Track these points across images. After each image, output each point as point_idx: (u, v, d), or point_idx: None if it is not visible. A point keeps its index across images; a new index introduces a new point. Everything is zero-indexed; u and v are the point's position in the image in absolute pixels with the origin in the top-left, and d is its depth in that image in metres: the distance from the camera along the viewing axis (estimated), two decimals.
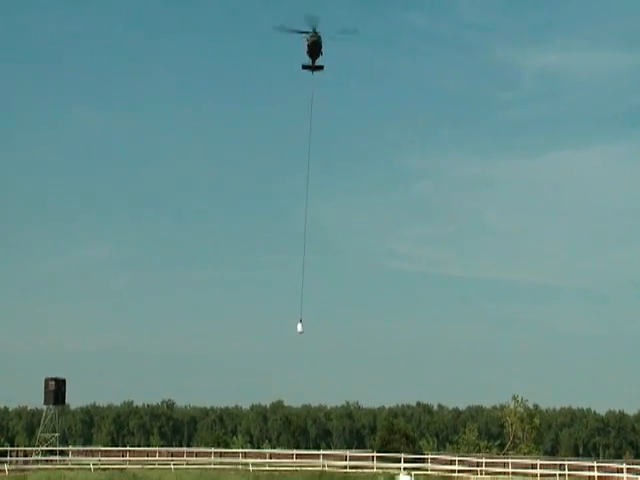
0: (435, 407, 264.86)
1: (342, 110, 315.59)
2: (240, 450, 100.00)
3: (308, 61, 52.83)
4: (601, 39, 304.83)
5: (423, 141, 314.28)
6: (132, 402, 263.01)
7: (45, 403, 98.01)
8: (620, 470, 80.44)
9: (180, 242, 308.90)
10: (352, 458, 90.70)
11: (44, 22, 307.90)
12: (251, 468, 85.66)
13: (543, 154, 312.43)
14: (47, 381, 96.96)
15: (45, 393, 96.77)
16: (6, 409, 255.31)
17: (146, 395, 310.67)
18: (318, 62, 52.83)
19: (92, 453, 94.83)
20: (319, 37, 51.67)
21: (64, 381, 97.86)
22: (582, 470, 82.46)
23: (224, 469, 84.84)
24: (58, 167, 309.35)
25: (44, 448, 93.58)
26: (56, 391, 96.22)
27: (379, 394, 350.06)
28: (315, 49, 52.13)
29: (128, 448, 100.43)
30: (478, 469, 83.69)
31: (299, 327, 52.97)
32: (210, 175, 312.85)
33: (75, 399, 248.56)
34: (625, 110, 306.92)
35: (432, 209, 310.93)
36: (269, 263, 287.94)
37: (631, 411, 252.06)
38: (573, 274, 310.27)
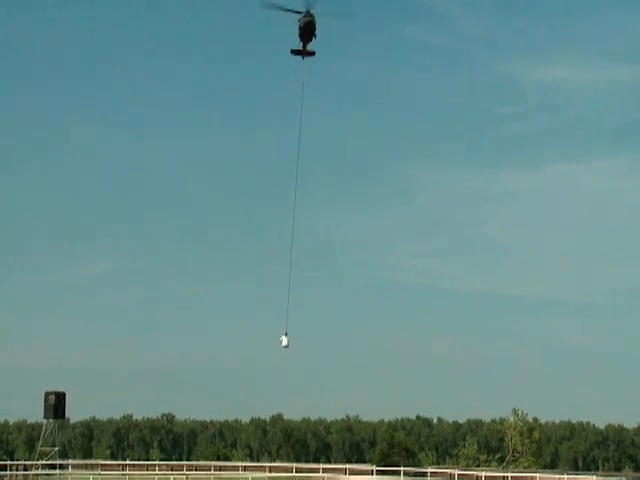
0: (435, 420, 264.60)
1: (342, 124, 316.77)
2: (240, 464, 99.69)
3: (299, 45, 48.16)
4: (601, 54, 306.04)
5: (424, 155, 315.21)
6: (132, 416, 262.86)
7: (45, 417, 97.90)
8: None
9: (180, 258, 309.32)
10: (352, 471, 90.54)
11: (48, 43, 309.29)
12: None
13: (543, 167, 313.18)
14: (47, 395, 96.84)
15: (45, 407, 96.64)
16: (6, 423, 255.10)
17: (146, 409, 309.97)
18: (310, 47, 48.28)
19: (92, 467, 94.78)
20: (313, 18, 47.12)
21: (64, 395, 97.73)
22: None
23: None
24: (62, 185, 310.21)
25: (44, 462, 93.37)
26: (56, 405, 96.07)
27: (379, 407, 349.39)
28: (309, 31, 47.47)
29: (128, 462, 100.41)
30: None
31: (284, 341, 50.26)
32: (212, 193, 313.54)
33: (75, 413, 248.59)
34: (625, 124, 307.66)
35: (432, 222, 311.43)
36: (270, 278, 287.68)
37: (630, 425, 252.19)
38: (573, 287, 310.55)
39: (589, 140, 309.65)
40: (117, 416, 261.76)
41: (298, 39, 47.99)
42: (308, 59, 48.52)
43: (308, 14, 47.00)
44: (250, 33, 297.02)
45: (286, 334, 50.05)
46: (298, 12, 47.03)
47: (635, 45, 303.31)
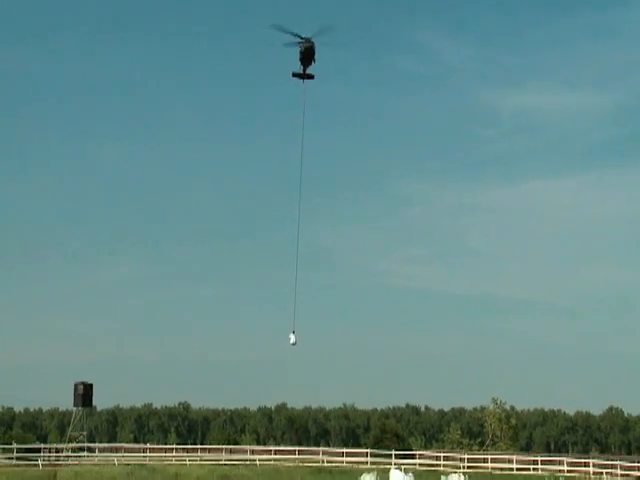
0: (422, 408, 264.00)
1: (341, 142, 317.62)
2: (248, 447, 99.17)
3: (299, 68, 47.16)
4: (570, 82, 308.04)
5: (414, 172, 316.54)
6: (152, 404, 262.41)
7: (75, 405, 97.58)
8: (587, 465, 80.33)
9: (193, 264, 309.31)
10: (348, 454, 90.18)
11: (71, 64, 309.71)
12: (258, 463, 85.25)
13: (520, 183, 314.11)
14: (76, 385, 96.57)
15: (75, 396, 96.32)
16: (40, 410, 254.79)
17: (164, 398, 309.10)
18: (310, 71, 47.12)
19: (116, 450, 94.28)
20: (313, 44, 46.42)
21: (91, 385, 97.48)
22: (553, 464, 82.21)
23: (234, 464, 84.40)
24: (89, 197, 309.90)
25: (74, 445, 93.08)
26: (84, 394, 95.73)
27: (373, 397, 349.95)
28: (308, 56, 46.65)
29: (148, 445, 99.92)
30: (461, 464, 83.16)
31: (292, 338, 48.06)
32: (222, 206, 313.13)
33: (101, 401, 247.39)
34: (591, 144, 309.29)
35: (421, 232, 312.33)
36: (275, 281, 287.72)
37: (597, 412, 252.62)
38: (545, 290, 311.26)
39: (559, 159, 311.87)
40: (139, 404, 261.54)
41: (299, 63, 47.25)
42: (308, 82, 47.65)
43: (308, 41, 46.47)
44: (256, 58, 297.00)
45: (294, 332, 48.71)
46: (301, 38, 46.39)
47: (599, 74, 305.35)
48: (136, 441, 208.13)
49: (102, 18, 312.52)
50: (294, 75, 47.43)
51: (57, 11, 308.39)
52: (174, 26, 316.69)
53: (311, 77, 47.46)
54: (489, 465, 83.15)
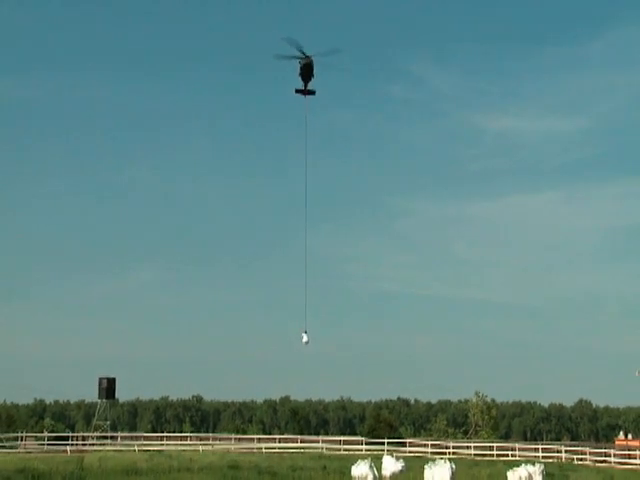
0: (412, 401, 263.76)
1: (340, 163, 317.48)
2: (255, 436, 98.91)
3: (301, 85, 44.75)
4: (545, 107, 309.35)
5: (406, 188, 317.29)
6: (168, 397, 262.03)
7: (99, 397, 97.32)
8: (559, 451, 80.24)
9: (206, 271, 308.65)
10: (345, 442, 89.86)
11: (93, 89, 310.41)
12: (264, 450, 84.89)
13: (501, 199, 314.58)
14: (101, 380, 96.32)
15: (99, 389, 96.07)
16: (68, 402, 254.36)
17: (180, 391, 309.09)
18: (310, 86, 44.72)
19: (136, 438, 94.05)
20: (311, 60, 44.02)
21: (114, 379, 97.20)
22: (529, 451, 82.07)
23: (242, 451, 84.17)
24: (118, 215, 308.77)
25: (98, 434, 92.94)
26: (108, 388, 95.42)
27: (367, 390, 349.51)
28: (307, 72, 44.30)
29: (165, 434, 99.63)
30: (447, 451, 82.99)
31: (304, 338, 46.32)
32: (234, 221, 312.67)
33: (123, 394, 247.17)
34: (565, 164, 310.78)
35: (412, 241, 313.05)
36: (283, 286, 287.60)
37: (568, 403, 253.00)
38: (522, 294, 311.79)
39: (536, 177, 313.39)
40: (156, 397, 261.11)
41: (299, 79, 45.12)
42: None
43: (307, 57, 44.34)
44: (262, 80, 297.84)
45: (306, 332, 46.34)
46: (300, 58, 44.24)
47: (573, 102, 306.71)
48: (154, 430, 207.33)
49: (121, 55, 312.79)
50: (297, 91, 45.30)
51: (86, 45, 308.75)
52: (184, 55, 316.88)
53: (312, 93, 45.16)
54: (472, 452, 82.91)
